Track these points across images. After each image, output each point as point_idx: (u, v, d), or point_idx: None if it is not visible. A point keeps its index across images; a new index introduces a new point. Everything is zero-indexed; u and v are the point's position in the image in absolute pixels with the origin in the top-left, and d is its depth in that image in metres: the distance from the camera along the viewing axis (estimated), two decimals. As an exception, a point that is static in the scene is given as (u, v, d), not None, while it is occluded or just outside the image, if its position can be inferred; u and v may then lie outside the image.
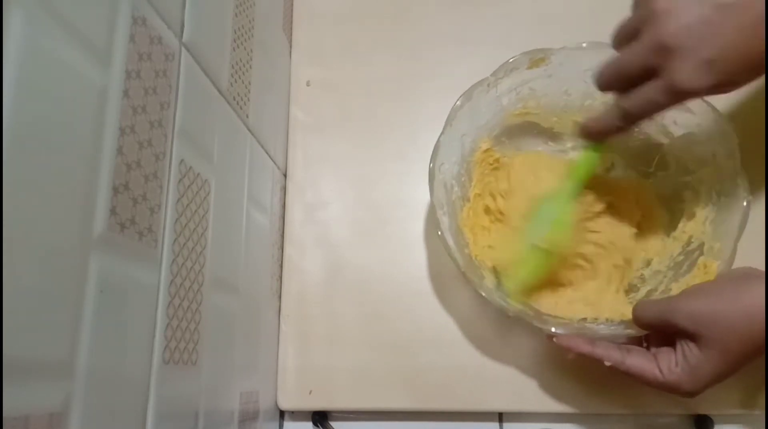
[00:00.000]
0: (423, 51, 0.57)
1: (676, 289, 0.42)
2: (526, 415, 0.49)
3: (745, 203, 0.40)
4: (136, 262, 0.27)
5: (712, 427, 0.47)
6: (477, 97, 0.45)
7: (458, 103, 0.45)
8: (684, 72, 0.33)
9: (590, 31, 0.44)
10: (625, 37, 0.38)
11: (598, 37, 0.43)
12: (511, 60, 0.45)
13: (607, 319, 0.44)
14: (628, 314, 0.41)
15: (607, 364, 0.39)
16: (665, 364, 0.38)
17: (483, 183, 0.50)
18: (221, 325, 0.38)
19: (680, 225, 0.46)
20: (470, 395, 0.48)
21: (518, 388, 0.48)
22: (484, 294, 0.41)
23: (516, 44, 0.50)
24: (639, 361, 0.39)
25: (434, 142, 0.44)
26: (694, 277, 0.41)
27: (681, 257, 0.45)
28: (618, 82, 0.38)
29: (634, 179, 0.49)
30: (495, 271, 0.46)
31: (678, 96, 0.35)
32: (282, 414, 0.51)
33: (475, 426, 0.49)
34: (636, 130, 0.47)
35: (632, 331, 0.40)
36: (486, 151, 0.49)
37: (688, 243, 0.45)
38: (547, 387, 0.48)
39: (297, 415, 0.51)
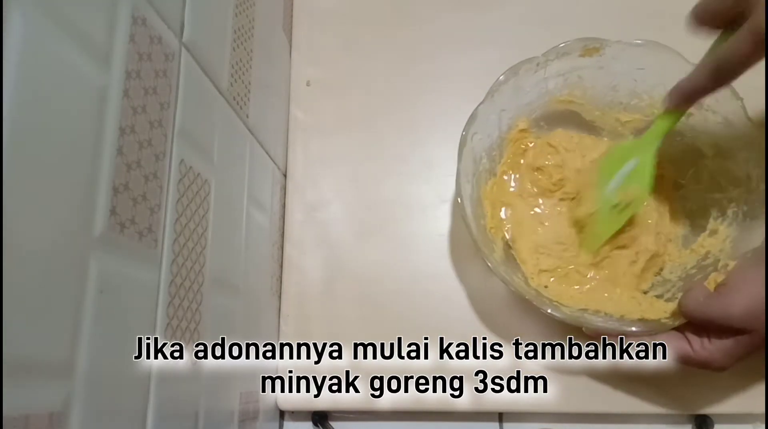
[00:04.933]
0: (423, 51, 0.57)
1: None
2: (526, 415, 0.49)
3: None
4: (136, 262, 0.27)
5: (712, 427, 0.47)
6: (523, 74, 0.45)
7: (502, 77, 0.44)
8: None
9: (595, 33, 0.44)
10: (717, 13, 0.36)
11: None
12: (563, 44, 0.45)
13: (606, 313, 0.44)
14: (630, 314, 0.41)
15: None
16: (697, 342, 0.38)
17: (514, 161, 0.50)
18: (221, 325, 0.38)
19: (700, 239, 0.46)
20: (470, 395, 0.48)
21: (519, 388, 0.48)
22: (490, 265, 0.41)
23: (516, 44, 0.50)
24: (668, 337, 0.39)
25: (435, 142, 0.44)
26: None
27: (694, 270, 0.44)
28: (710, 15, 0.36)
29: (667, 189, 0.49)
30: (505, 243, 0.47)
31: (760, 42, 0.33)
32: (282, 414, 0.51)
33: (475, 426, 0.49)
34: (679, 137, 0.47)
35: (630, 328, 0.40)
36: (523, 130, 0.49)
37: (705, 257, 0.44)
38: (548, 387, 0.48)
39: (297, 415, 0.51)
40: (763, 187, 0.41)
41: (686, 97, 0.40)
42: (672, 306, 0.42)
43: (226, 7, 0.40)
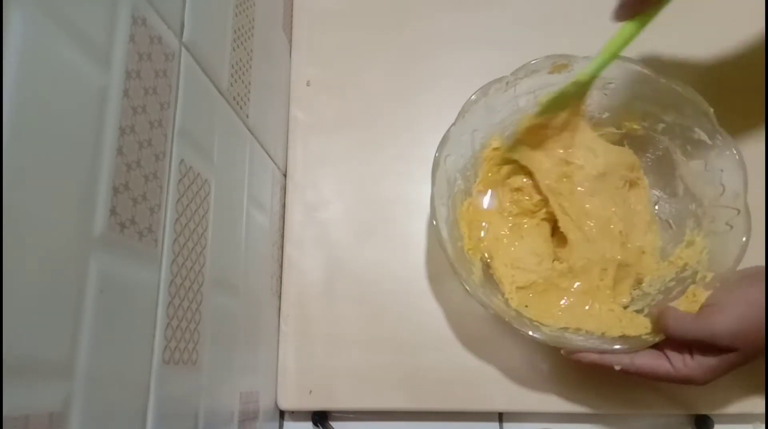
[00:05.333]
0: (423, 51, 0.57)
1: None
2: (526, 415, 0.49)
3: (744, 239, 0.40)
4: (136, 262, 0.27)
5: (712, 427, 0.47)
6: (494, 94, 0.45)
7: (473, 97, 0.45)
8: None
9: (591, 34, 0.44)
10: None
11: (598, 40, 0.43)
12: (533, 62, 0.45)
13: (586, 332, 0.43)
14: (611, 331, 0.41)
15: (617, 368, 0.40)
16: (678, 360, 0.38)
17: (489, 179, 0.50)
18: (221, 325, 0.38)
19: (677, 250, 0.46)
20: (470, 395, 0.48)
21: (518, 388, 0.48)
22: (468, 288, 0.41)
23: (517, 45, 0.50)
24: (648, 359, 0.39)
25: (434, 142, 0.44)
26: (681, 304, 0.41)
27: (673, 283, 0.44)
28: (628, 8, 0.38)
29: (643, 200, 0.49)
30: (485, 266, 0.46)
31: None
32: (282, 414, 0.51)
33: (475, 426, 0.49)
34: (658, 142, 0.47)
35: (612, 346, 0.40)
36: (496, 148, 0.48)
37: (683, 269, 0.44)
38: (547, 387, 0.48)
39: (297, 415, 0.51)
40: (739, 198, 0.41)
41: (633, 7, 0.39)
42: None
43: (226, 7, 0.40)
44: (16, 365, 0.20)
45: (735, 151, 0.41)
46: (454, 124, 0.44)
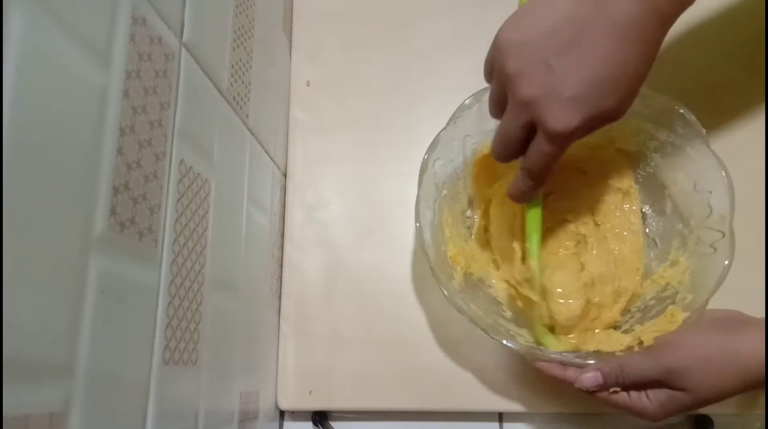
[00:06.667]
0: (423, 51, 0.57)
1: (639, 330, 0.42)
2: (526, 415, 0.49)
3: (726, 262, 0.39)
4: (136, 262, 0.27)
5: (712, 427, 0.47)
6: (487, 100, 0.45)
7: (466, 102, 0.44)
8: (553, 117, 0.33)
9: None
10: (497, 104, 0.38)
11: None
12: None
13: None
14: (586, 345, 0.42)
15: (577, 386, 0.40)
16: (635, 394, 0.39)
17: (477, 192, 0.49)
18: (221, 325, 0.38)
19: (660, 270, 0.45)
20: (470, 395, 0.48)
21: (518, 388, 0.48)
22: (446, 293, 0.41)
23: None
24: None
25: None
26: (658, 324, 0.41)
27: (653, 302, 0.44)
28: (510, 148, 0.38)
29: (636, 220, 0.49)
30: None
31: (559, 140, 0.34)
32: (282, 414, 0.51)
33: (475, 426, 0.49)
34: (646, 161, 0.47)
35: (585, 360, 0.40)
36: (487, 155, 0.48)
37: (664, 289, 0.44)
38: (547, 387, 0.48)
39: (297, 415, 0.51)
40: (724, 220, 0.41)
41: (522, 199, 0.42)
42: (628, 338, 0.42)
43: (226, 7, 0.40)
44: (16, 365, 0.20)
45: (725, 174, 0.41)
46: (444, 129, 0.44)
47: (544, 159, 0.36)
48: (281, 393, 0.49)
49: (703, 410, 0.47)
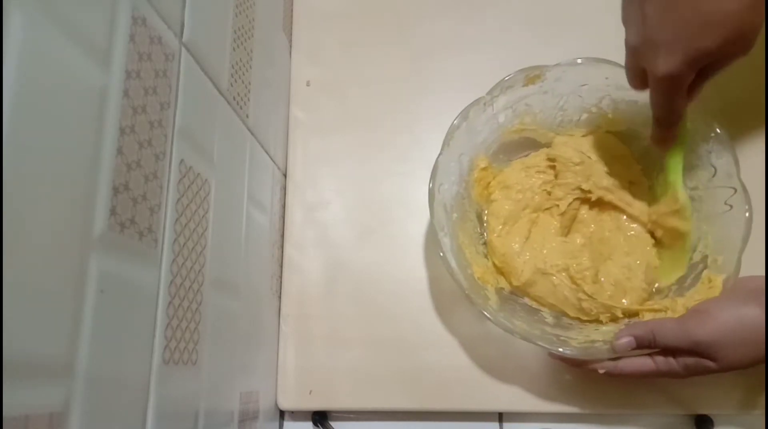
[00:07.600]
0: (423, 51, 0.57)
1: (681, 304, 0.42)
2: (526, 415, 0.49)
3: (747, 215, 0.40)
4: (136, 262, 0.27)
5: (712, 427, 0.47)
6: (474, 116, 0.45)
7: (455, 122, 0.45)
8: (653, 62, 0.36)
9: (590, 35, 0.45)
10: (635, 73, 0.40)
11: (596, 42, 0.43)
12: (507, 78, 0.45)
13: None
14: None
15: (601, 371, 0.41)
16: (661, 359, 0.40)
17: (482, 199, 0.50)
18: (221, 325, 0.38)
19: None
20: (470, 395, 0.48)
21: (518, 388, 0.48)
22: (488, 315, 0.41)
23: (516, 45, 0.50)
24: (632, 360, 0.41)
25: (435, 142, 0.44)
26: (699, 292, 0.41)
27: (686, 270, 0.44)
28: (635, 83, 0.41)
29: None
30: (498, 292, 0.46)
31: (665, 84, 0.37)
32: (282, 414, 0.51)
33: (475, 426, 0.49)
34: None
35: (601, 355, 0.41)
36: (484, 168, 0.48)
37: (691, 257, 0.45)
38: (547, 387, 0.48)
39: (297, 415, 0.51)
40: (733, 177, 0.42)
41: (664, 143, 0.43)
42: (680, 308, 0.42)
43: (226, 7, 0.40)
44: (16, 365, 0.20)
45: (719, 130, 0.42)
46: (441, 154, 0.44)
47: (661, 104, 0.39)
48: (281, 393, 0.49)
49: (703, 410, 0.47)
